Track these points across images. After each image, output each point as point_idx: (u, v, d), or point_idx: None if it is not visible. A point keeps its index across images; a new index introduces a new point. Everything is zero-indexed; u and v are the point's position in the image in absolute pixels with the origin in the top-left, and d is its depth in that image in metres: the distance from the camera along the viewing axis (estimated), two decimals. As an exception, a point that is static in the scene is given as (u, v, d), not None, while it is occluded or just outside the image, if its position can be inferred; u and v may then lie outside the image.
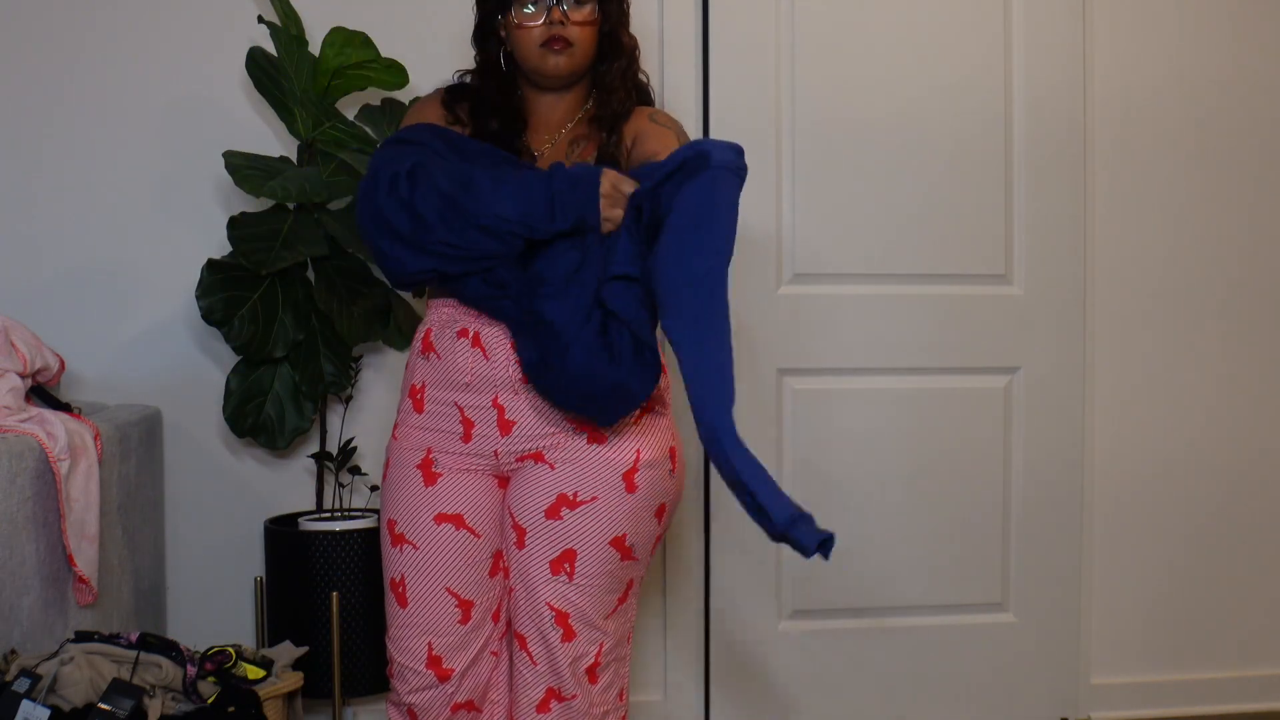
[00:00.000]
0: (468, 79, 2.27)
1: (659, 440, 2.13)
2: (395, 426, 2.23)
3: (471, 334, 2.09)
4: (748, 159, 3.24)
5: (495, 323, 2.08)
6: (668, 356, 2.04)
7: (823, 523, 3.16)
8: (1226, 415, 3.35)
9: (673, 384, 2.25)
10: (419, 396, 2.16)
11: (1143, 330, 3.31)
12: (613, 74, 2.21)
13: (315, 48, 2.84)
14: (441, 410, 2.13)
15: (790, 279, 3.16)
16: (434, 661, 2.13)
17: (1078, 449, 3.26)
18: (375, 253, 2.08)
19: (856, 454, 3.19)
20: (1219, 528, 3.36)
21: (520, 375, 2.06)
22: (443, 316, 2.14)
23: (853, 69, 3.15)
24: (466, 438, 2.12)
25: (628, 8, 2.25)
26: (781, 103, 3.13)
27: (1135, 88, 3.27)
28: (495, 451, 2.11)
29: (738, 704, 3.18)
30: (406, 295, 2.99)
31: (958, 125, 3.18)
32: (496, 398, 2.09)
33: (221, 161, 2.76)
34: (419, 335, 2.19)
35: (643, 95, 2.27)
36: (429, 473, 2.14)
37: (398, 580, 2.15)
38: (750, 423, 3.15)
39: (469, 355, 2.09)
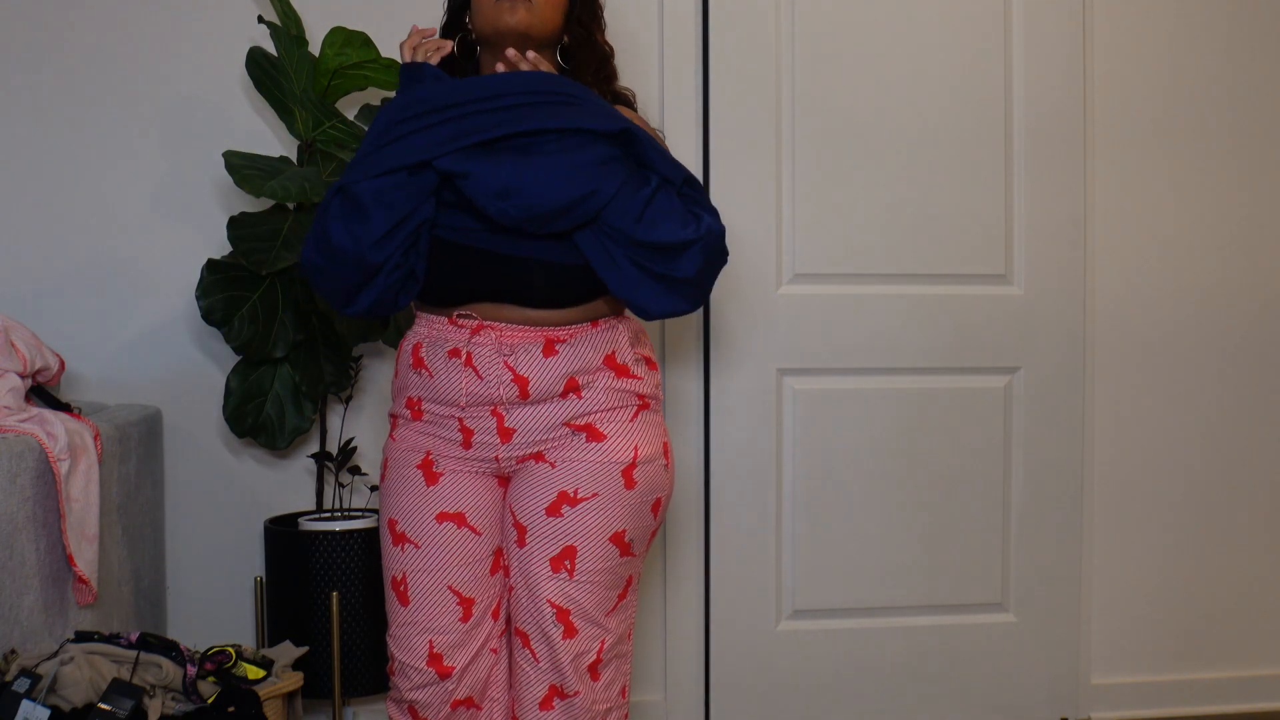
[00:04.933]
0: None
1: (654, 436, 2.14)
2: (392, 428, 2.22)
3: (464, 355, 2.07)
4: (748, 159, 3.27)
5: (486, 342, 2.08)
6: (659, 359, 2.05)
7: (824, 523, 3.20)
8: (1227, 414, 3.35)
9: (663, 383, 2.26)
10: (417, 408, 2.15)
11: (1143, 331, 3.31)
12: (586, 79, 2.16)
13: (315, 48, 2.84)
14: (440, 419, 2.13)
15: (790, 279, 3.16)
16: (435, 659, 2.13)
17: (1078, 449, 3.26)
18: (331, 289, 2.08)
19: (856, 454, 3.19)
20: (1219, 529, 3.36)
21: (516, 393, 2.06)
22: (433, 334, 2.12)
23: (852, 69, 3.15)
24: (466, 445, 2.11)
25: (600, 11, 2.21)
26: (781, 103, 3.14)
27: (1137, 86, 3.27)
28: (496, 456, 2.11)
29: (738, 704, 3.18)
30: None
31: (958, 125, 3.18)
32: (495, 408, 2.08)
33: (221, 161, 2.76)
34: (408, 346, 2.16)
35: (620, 99, 2.23)
36: (430, 473, 2.14)
37: (399, 579, 2.15)
38: (750, 423, 3.15)
39: (462, 376, 2.08)
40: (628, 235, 2.00)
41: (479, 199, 1.99)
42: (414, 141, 2.01)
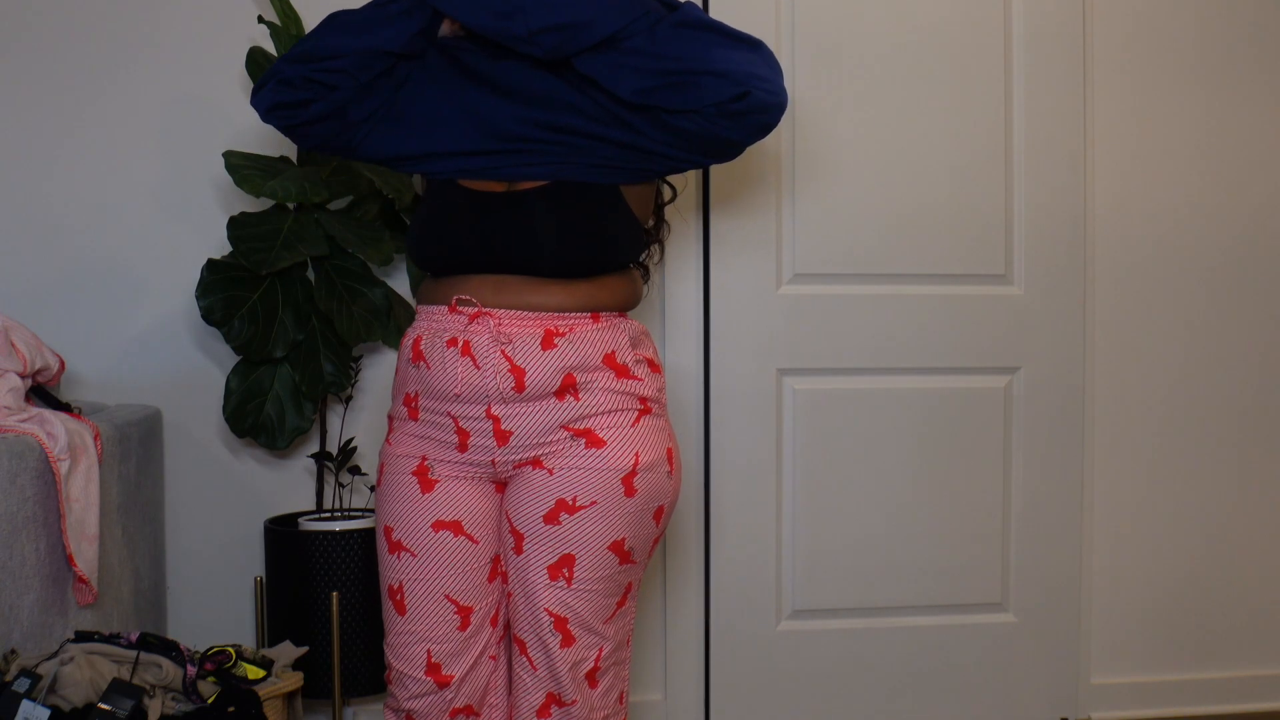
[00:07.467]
0: None
1: (657, 442, 2.10)
2: (389, 431, 2.19)
3: (461, 343, 2.04)
4: (748, 159, 3.25)
5: (484, 330, 2.06)
6: (664, 361, 2.03)
7: (823, 522, 3.20)
8: (1229, 415, 3.35)
9: (668, 385, 2.24)
10: (413, 405, 2.13)
11: (1143, 329, 3.31)
12: None
13: (315, 48, 2.84)
14: (436, 419, 2.10)
15: (790, 279, 3.16)
16: (433, 669, 2.11)
17: (1078, 449, 3.26)
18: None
19: (856, 454, 3.19)
20: (1220, 529, 3.36)
21: (512, 385, 2.04)
22: (433, 326, 2.10)
23: (852, 70, 3.15)
24: (462, 448, 2.09)
25: None
26: (781, 103, 3.13)
27: (1139, 86, 3.27)
28: (493, 461, 2.09)
29: (738, 704, 3.19)
30: (406, 295, 3.00)
31: (958, 125, 3.18)
32: (490, 408, 2.05)
33: (221, 161, 2.76)
34: (408, 342, 2.13)
35: None
36: (425, 479, 2.11)
37: (396, 588, 2.13)
38: (750, 423, 3.15)
39: (459, 365, 2.05)
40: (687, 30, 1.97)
41: (480, 19, 1.95)
42: None
